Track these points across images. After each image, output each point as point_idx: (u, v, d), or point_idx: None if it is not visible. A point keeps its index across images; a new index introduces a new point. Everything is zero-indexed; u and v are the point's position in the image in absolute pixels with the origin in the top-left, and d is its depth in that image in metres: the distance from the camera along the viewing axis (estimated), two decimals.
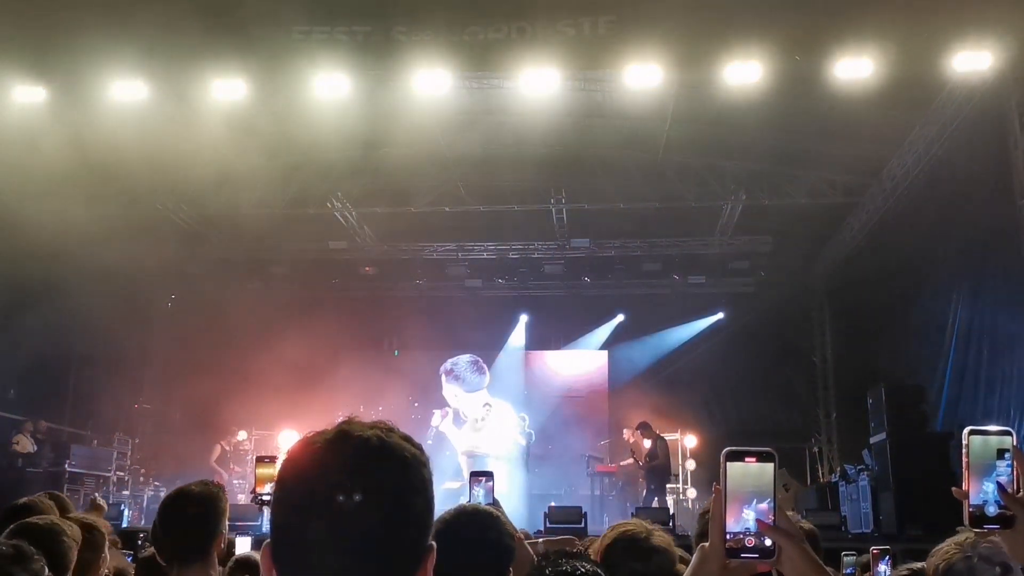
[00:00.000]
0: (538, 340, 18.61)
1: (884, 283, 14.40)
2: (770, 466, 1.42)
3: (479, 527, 2.47)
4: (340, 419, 1.31)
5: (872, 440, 11.98)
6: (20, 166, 11.54)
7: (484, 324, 18.12)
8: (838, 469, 14.35)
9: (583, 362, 18.61)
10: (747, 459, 1.43)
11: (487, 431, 15.55)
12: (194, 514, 2.80)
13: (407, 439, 1.30)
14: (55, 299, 13.03)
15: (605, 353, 18.46)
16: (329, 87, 11.03)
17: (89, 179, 12.34)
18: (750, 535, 1.39)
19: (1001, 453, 1.64)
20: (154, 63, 10.67)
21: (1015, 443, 1.64)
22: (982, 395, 11.29)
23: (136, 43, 10.34)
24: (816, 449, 17.01)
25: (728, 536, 1.40)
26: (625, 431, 15.17)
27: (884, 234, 14.31)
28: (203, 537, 2.79)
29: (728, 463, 1.43)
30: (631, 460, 14.44)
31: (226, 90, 11.07)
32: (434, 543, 1.28)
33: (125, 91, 10.94)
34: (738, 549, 1.39)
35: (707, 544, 1.42)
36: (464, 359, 18.15)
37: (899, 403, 11.54)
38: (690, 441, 15.84)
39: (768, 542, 1.41)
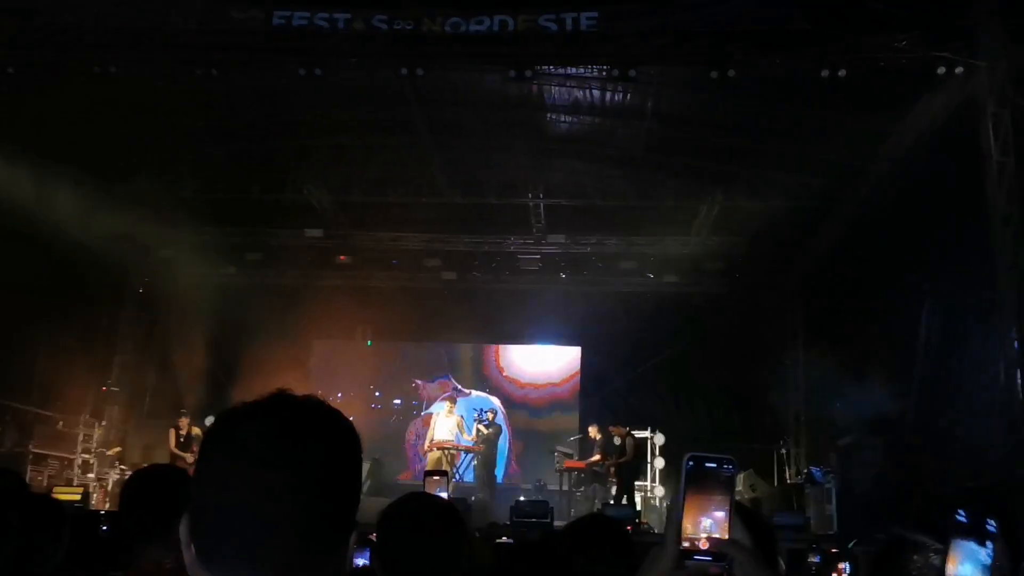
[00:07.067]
0: (512, 334, 18.58)
1: (858, 287, 14.47)
2: (731, 473, 1.44)
3: (437, 514, 2.43)
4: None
5: (839, 443, 12.07)
6: None
7: (458, 316, 18.07)
8: (804, 472, 14.43)
9: (556, 358, 18.62)
10: (708, 464, 1.44)
11: (454, 423, 15.48)
12: (157, 492, 2.82)
13: (340, 412, 1.23)
14: (22, 278, 12.82)
15: (578, 349, 18.48)
16: (307, 73, 10.92)
17: (56, 158, 12.18)
18: (705, 539, 1.41)
19: None
20: (124, 40, 10.52)
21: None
22: (950, 402, 11.38)
23: (107, 19, 10.21)
24: (784, 451, 17.09)
25: (684, 542, 1.42)
26: (590, 428, 15.15)
27: (859, 238, 14.36)
28: (165, 515, 2.83)
29: (689, 466, 1.44)
30: (597, 457, 14.42)
31: (200, 71, 10.92)
32: (357, 520, 1.21)
33: (95, 68, 10.77)
34: (692, 552, 1.41)
35: (661, 546, 1.45)
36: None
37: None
38: (660, 439, 15.87)
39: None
